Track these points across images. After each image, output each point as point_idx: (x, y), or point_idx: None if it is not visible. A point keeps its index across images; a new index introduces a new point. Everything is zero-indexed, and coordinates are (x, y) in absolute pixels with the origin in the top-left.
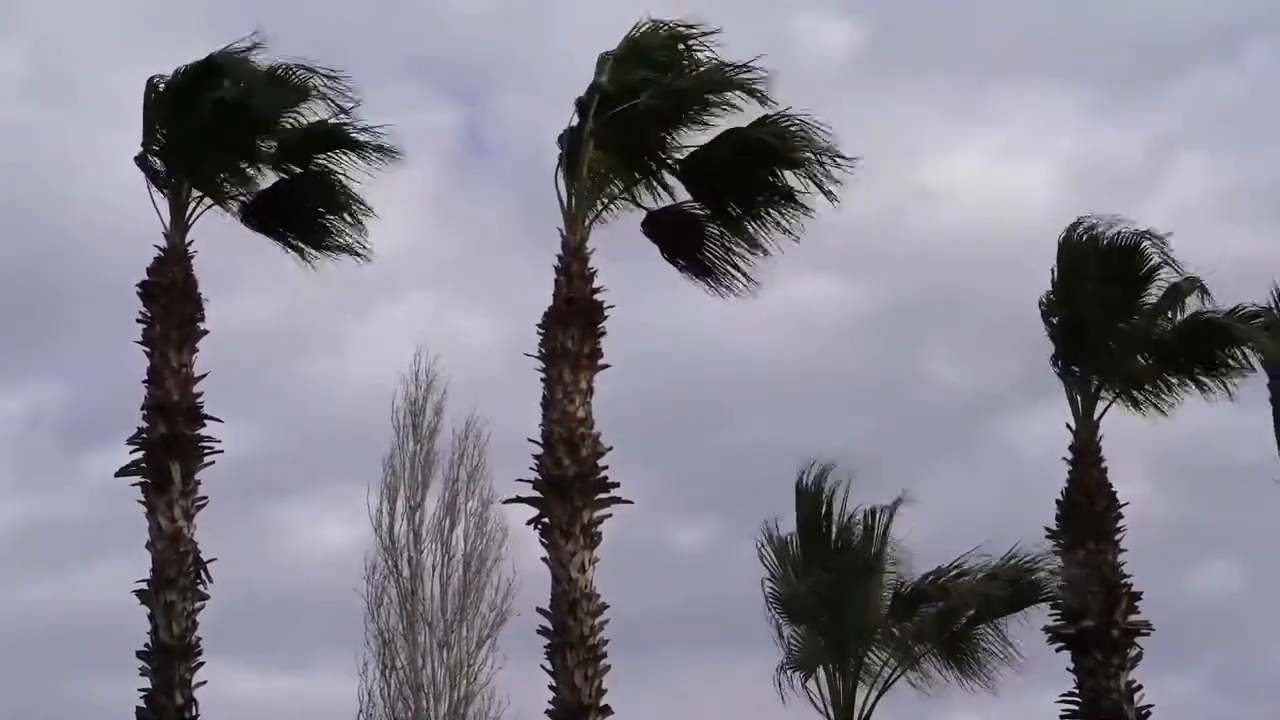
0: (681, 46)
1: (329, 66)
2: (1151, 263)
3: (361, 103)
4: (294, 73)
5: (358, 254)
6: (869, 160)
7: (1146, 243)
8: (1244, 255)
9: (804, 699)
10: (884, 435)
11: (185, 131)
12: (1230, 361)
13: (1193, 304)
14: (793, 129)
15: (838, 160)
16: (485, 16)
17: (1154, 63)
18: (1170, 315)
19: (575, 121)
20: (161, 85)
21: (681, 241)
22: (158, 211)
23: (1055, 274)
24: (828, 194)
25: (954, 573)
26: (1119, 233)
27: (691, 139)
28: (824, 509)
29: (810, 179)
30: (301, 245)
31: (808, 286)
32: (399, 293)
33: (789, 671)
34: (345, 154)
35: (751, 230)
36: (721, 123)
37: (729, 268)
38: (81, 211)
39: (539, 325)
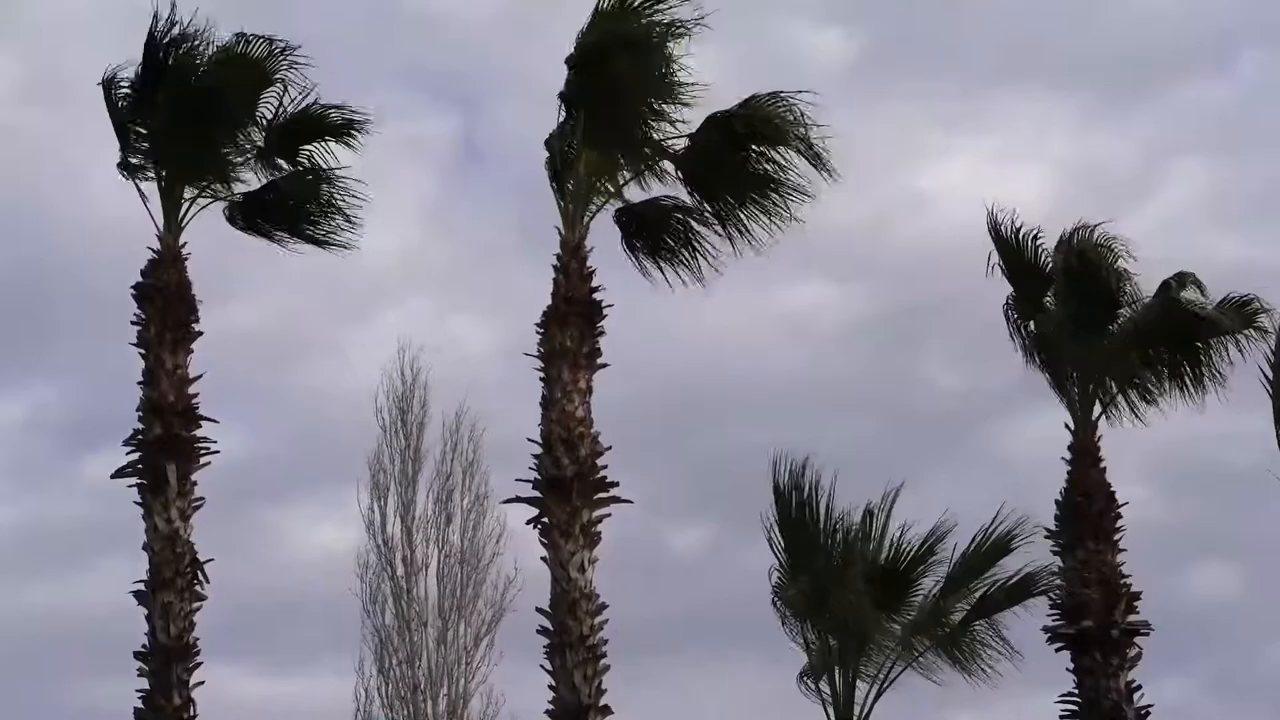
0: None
1: (283, 38)
2: (1120, 267)
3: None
4: (252, 45)
5: (346, 246)
6: (864, 166)
7: (1108, 249)
8: (1237, 260)
9: (812, 700)
10: (881, 438)
11: (159, 121)
12: (1214, 356)
13: (1187, 299)
14: (778, 108)
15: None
16: (481, 22)
17: (1147, 70)
18: (1158, 312)
19: (564, 117)
20: (119, 80)
21: (644, 231)
22: (149, 213)
23: (1010, 276)
24: (818, 166)
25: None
26: (1082, 237)
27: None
28: (806, 508)
29: (801, 156)
30: (290, 238)
31: (804, 290)
32: (397, 297)
33: (807, 679)
34: (329, 142)
35: (743, 218)
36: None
37: (687, 254)
38: (78, 214)
39: (537, 325)
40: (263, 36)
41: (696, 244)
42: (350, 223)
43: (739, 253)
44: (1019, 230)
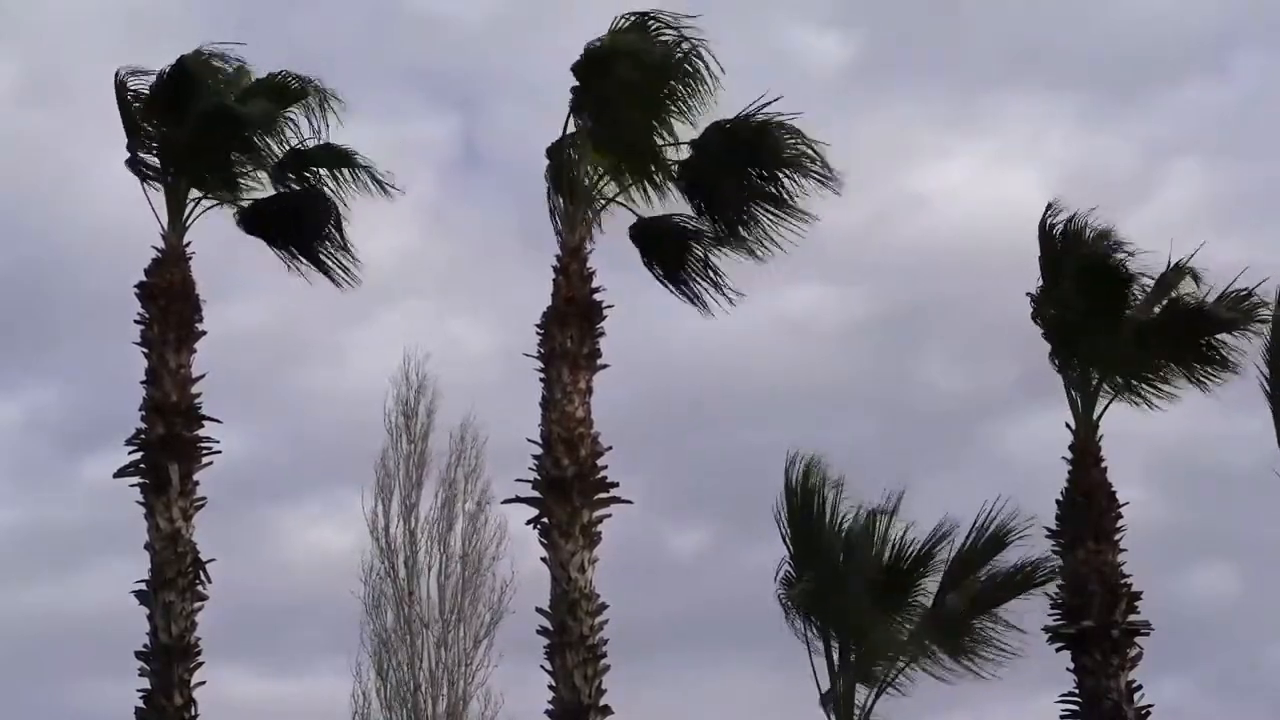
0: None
1: (319, 78)
2: (1129, 263)
3: (345, 114)
4: (284, 79)
5: (345, 277)
6: (864, 167)
7: (1118, 244)
8: (1237, 261)
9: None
10: (881, 440)
11: (179, 133)
12: (1219, 351)
13: (1185, 290)
14: (781, 125)
15: (823, 164)
16: (481, 25)
17: (1146, 71)
18: (1160, 305)
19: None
20: (134, 83)
21: (664, 253)
22: (154, 212)
23: (1040, 266)
24: (822, 179)
25: (938, 539)
26: (1093, 229)
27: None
28: (813, 507)
29: (802, 175)
30: (294, 255)
31: (804, 292)
32: (396, 299)
33: (828, 701)
34: (341, 172)
35: (744, 234)
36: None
37: (708, 283)
38: (78, 216)
39: (538, 325)
40: (296, 75)
41: (714, 269)
42: (352, 256)
43: (730, 273)
44: (1060, 224)
